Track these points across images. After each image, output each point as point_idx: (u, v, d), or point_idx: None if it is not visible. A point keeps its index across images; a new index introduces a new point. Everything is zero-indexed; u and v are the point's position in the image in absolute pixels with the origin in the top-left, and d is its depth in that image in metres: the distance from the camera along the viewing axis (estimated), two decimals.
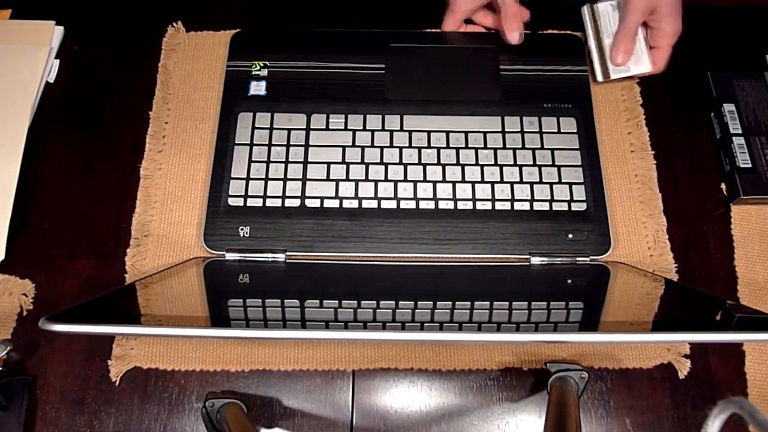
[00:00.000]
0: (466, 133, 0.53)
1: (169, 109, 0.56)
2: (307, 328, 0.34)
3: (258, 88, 0.55)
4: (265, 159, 0.52)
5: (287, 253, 0.49)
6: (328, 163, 0.52)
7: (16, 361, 0.47)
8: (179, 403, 0.46)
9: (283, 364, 0.47)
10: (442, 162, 0.52)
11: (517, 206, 0.51)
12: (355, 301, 0.40)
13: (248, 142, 0.53)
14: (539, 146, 0.53)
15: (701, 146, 0.56)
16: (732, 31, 0.60)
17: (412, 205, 0.51)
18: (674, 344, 0.48)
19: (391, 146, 0.53)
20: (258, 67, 0.56)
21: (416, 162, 0.52)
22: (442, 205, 0.51)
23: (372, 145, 0.53)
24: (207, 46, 0.59)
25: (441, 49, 0.57)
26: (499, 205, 0.51)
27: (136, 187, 0.53)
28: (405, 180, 0.52)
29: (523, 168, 0.52)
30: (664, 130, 0.56)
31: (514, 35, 0.55)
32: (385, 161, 0.52)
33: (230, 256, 0.49)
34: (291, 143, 0.53)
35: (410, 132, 0.53)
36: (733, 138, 0.53)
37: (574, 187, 0.51)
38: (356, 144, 0.53)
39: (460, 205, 0.51)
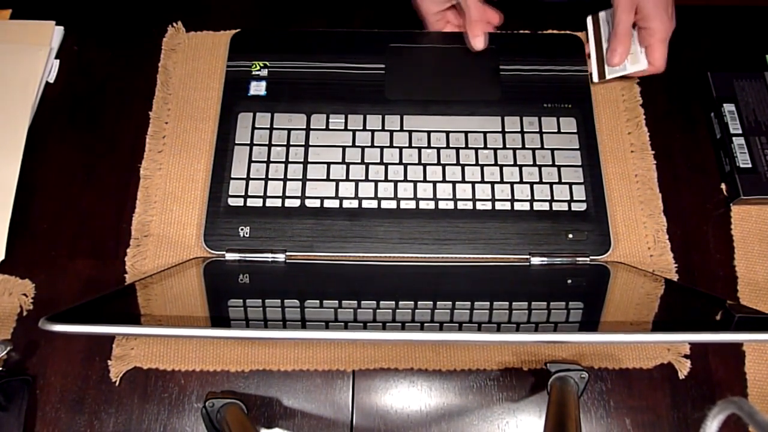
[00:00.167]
0: (466, 133, 0.53)
1: (169, 109, 0.56)
2: (307, 328, 0.34)
3: (258, 88, 0.55)
4: (265, 159, 0.52)
5: (287, 253, 0.49)
6: (328, 163, 0.52)
7: (16, 361, 0.47)
8: (179, 403, 0.46)
9: (283, 364, 0.47)
10: (442, 162, 0.52)
11: (517, 206, 0.51)
12: (355, 301, 0.40)
13: (248, 142, 0.53)
14: (539, 146, 0.53)
15: (701, 146, 0.56)
16: (732, 31, 0.60)
17: (412, 205, 0.51)
18: (674, 344, 0.48)
19: (391, 146, 0.53)
20: (258, 67, 0.56)
21: (416, 162, 0.52)
22: (442, 205, 0.51)
23: (372, 145, 0.53)
24: (207, 46, 0.59)
25: (441, 49, 0.57)
26: (499, 205, 0.51)
27: (136, 187, 0.53)
28: (405, 180, 0.52)
29: (523, 168, 0.52)
30: (664, 130, 0.56)
31: (477, 41, 0.54)
32: (385, 161, 0.52)
33: (230, 256, 0.49)
34: (291, 143, 0.53)
35: (410, 132, 0.53)
36: (733, 138, 0.53)
37: (574, 187, 0.51)
38: (356, 144, 0.53)
39: (460, 205, 0.51)
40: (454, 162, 0.52)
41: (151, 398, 0.46)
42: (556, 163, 0.52)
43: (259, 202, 0.51)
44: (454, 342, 0.46)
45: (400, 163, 0.52)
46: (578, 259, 0.49)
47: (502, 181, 0.51)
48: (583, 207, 0.51)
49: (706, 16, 0.61)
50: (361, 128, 0.53)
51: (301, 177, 0.51)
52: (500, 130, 0.53)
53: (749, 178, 0.51)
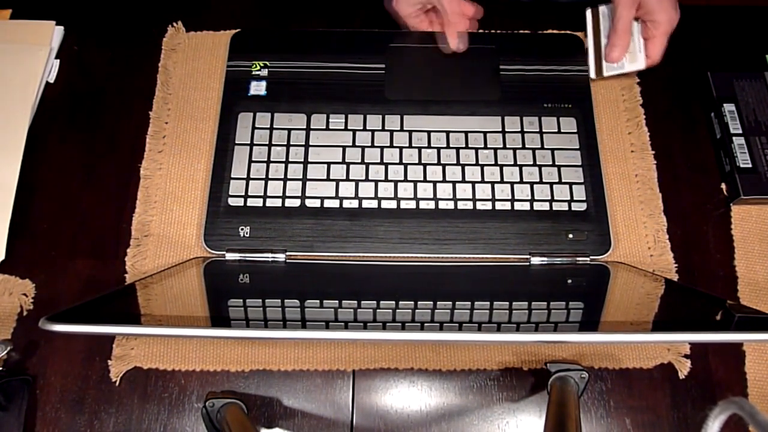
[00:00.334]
0: (466, 133, 0.53)
1: (169, 109, 0.56)
2: (307, 328, 0.34)
3: (258, 88, 0.55)
4: (266, 159, 0.52)
5: (287, 253, 0.49)
6: (328, 163, 0.52)
7: (16, 361, 0.47)
8: (179, 403, 0.46)
9: (283, 364, 0.47)
10: (442, 162, 0.52)
11: (517, 206, 0.51)
12: (355, 301, 0.40)
13: (248, 142, 0.53)
14: (539, 146, 0.53)
15: (701, 146, 0.56)
16: (732, 31, 0.60)
17: (412, 205, 0.51)
18: (674, 344, 0.48)
19: (391, 146, 0.53)
20: (258, 67, 0.56)
21: (416, 162, 0.52)
22: (442, 205, 0.51)
23: (372, 145, 0.53)
24: (207, 46, 0.59)
25: (441, 49, 0.57)
26: (499, 205, 0.51)
27: (136, 187, 0.53)
28: (405, 180, 0.52)
29: (523, 168, 0.52)
30: (664, 130, 0.56)
31: (453, 42, 0.54)
32: (385, 161, 0.52)
33: (230, 256, 0.49)
34: (291, 143, 0.53)
35: (410, 132, 0.53)
36: (733, 138, 0.53)
37: (574, 187, 0.51)
38: (356, 144, 0.53)
39: (460, 205, 0.51)
40: (454, 162, 0.52)
41: (151, 398, 0.46)
42: (556, 163, 0.52)
43: (259, 202, 0.51)
44: (454, 342, 0.46)
45: (400, 163, 0.52)
46: (578, 259, 0.49)
47: (502, 181, 0.51)
48: (583, 207, 0.51)
49: (706, 16, 0.61)
50: (361, 128, 0.53)
51: (301, 177, 0.51)
52: (500, 130, 0.53)
53: (749, 178, 0.51)
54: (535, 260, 0.49)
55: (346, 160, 0.52)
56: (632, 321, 0.36)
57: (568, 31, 0.59)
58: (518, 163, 0.52)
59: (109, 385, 0.47)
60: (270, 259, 0.49)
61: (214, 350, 0.47)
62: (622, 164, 0.54)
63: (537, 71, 0.56)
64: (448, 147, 0.53)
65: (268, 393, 0.47)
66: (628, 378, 0.47)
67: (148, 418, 0.46)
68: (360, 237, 0.50)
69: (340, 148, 0.53)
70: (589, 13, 0.56)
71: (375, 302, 0.40)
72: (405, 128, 0.53)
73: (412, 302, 0.40)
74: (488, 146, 0.53)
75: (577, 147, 0.53)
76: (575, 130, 0.53)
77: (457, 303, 0.40)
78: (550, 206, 0.51)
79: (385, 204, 0.51)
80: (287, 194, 0.51)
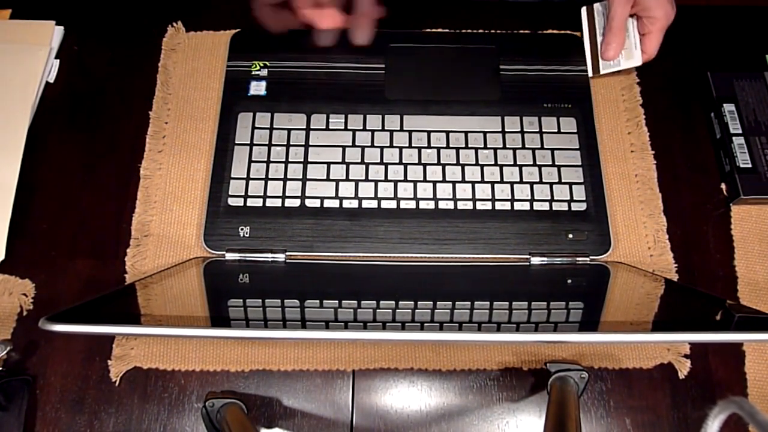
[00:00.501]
0: (466, 133, 0.53)
1: (169, 109, 0.56)
2: (307, 328, 0.34)
3: (258, 88, 0.55)
4: (265, 159, 0.52)
5: (287, 253, 0.49)
6: (328, 163, 0.52)
7: (16, 361, 0.47)
8: (179, 403, 0.46)
9: (283, 364, 0.47)
10: (442, 162, 0.52)
11: (517, 206, 0.51)
12: (355, 301, 0.40)
13: (248, 142, 0.53)
14: (539, 146, 0.53)
15: (701, 146, 0.56)
16: (732, 31, 0.60)
17: (412, 205, 0.51)
18: (674, 344, 0.48)
19: (391, 146, 0.53)
20: (258, 67, 0.56)
21: (416, 162, 0.52)
22: (442, 205, 0.51)
23: (372, 145, 0.53)
24: (207, 46, 0.59)
25: (441, 49, 0.57)
26: (499, 205, 0.51)
27: (136, 187, 0.53)
28: (405, 180, 0.52)
29: (523, 168, 0.52)
30: (664, 130, 0.56)
31: (363, 33, 0.49)
32: (385, 161, 0.52)
33: (230, 256, 0.49)
34: (291, 143, 0.53)
35: (410, 132, 0.53)
36: (733, 138, 0.53)
37: (574, 187, 0.51)
38: (356, 144, 0.53)
39: (460, 205, 0.51)
40: (454, 162, 0.52)
41: (151, 398, 0.46)
42: (556, 163, 0.52)
43: (259, 202, 0.51)
44: (454, 342, 0.46)
45: (400, 163, 0.52)
46: (578, 259, 0.49)
47: (502, 181, 0.51)
48: (583, 207, 0.51)
49: (706, 16, 0.61)
50: (361, 128, 0.53)
51: (301, 177, 0.51)
52: (500, 130, 0.53)
53: (749, 178, 0.51)
54: (535, 260, 0.49)
55: (346, 160, 0.52)
56: (632, 321, 0.36)
57: (568, 31, 0.59)
58: (518, 163, 0.52)
59: (109, 385, 0.47)
60: (270, 259, 0.49)
61: (214, 350, 0.47)
62: (622, 164, 0.54)
63: (537, 71, 0.56)
64: (447, 147, 0.53)
65: (268, 393, 0.47)
66: (628, 378, 0.47)
67: (148, 418, 0.46)
68: (360, 237, 0.50)
69: (340, 148, 0.53)
70: (584, 11, 0.56)
71: (375, 302, 0.40)
72: (405, 128, 0.53)
73: (412, 302, 0.40)
74: (488, 146, 0.53)
75: (577, 147, 0.53)
76: (575, 130, 0.53)
77: (457, 303, 0.40)
78: (550, 206, 0.51)
79: (385, 204, 0.51)
80: (287, 194, 0.51)
